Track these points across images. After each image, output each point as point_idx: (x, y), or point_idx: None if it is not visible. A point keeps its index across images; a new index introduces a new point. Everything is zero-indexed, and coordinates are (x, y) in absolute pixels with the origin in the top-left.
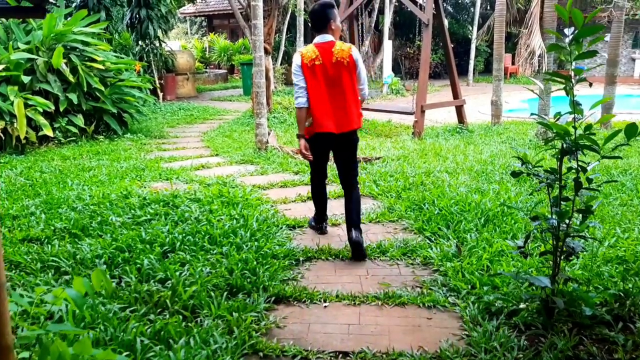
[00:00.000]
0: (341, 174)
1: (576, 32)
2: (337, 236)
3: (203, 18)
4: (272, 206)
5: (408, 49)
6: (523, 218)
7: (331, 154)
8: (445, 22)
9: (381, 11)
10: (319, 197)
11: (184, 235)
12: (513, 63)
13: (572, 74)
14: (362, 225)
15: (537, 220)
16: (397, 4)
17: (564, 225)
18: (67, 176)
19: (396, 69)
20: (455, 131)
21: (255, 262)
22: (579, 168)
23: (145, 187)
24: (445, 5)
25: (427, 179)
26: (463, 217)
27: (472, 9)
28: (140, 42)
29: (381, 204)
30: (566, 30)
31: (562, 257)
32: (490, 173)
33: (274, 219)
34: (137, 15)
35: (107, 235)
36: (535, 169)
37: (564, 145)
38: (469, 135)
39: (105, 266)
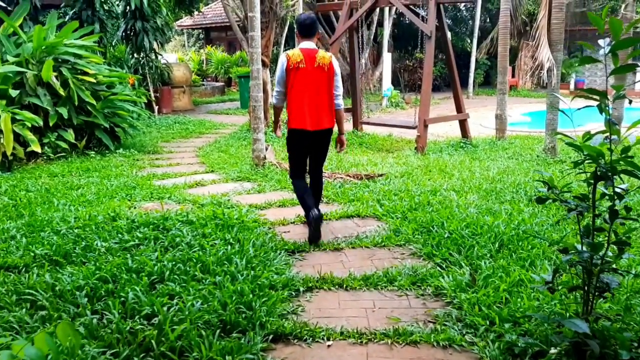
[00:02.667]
0: (311, 165)
1: (613, 44)
2: (340, 262)
3: (200, 30)
4: (269, 228)
5: (407, 61)
6: (540, 243)
7: None
8: (448, 34)
9: (380, 24)
10: (304, 195)
11: (174, 263)
12: (513, 76)
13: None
14: (367, 250)
15: (567, 253)
16: (395, 16)
17: (598, 259)
18: (53, 195)
19: (395, 82)
20: (459, 146)
21: (251, 295)
22: (614, 195)
23: (135, 208)
24: None
25: (434, 198)
26: (475, 242)
27: (470, 22)
28: (135, 55)
29: (386, 226)
30: (601, 42)
31: (595, 294)
32: (500, 192)
33: (271, 244)
34: (132, 28)
35: (91, 263)
36: (563, 194)
37: (598, 170)
38: (473, 150)
39: (86, 299)
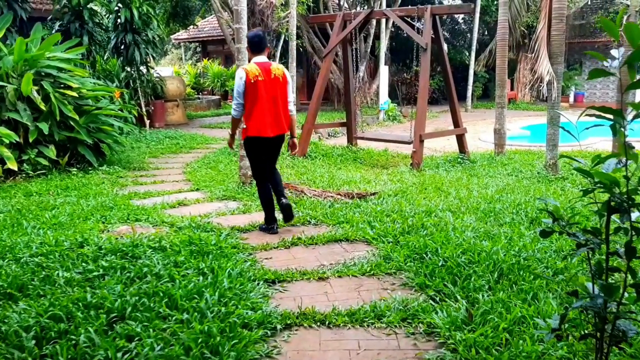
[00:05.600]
0: (267, 164)
1: (630, 54)
2: (324, 294)
3: (197, 44)
4: (250, 254)
5: (405, 74)
6: (544, 273)
7: None
8: (445, 46)
9: (377, 36)
10: (268, 200)
11: (138, 297)
12: (512, 89)
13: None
14: (354, 279)
15: (578, 297)
16: (393, 29)
17: (613, 303)
18: (24, 217)
19: (392, 95)
20: (456, 161)
21: (219, 336)
22: (632, 230)
23: (108, 232)
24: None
25: (429, 219)
26: (472, 271)
27: (468, 35)
28: (127, 68)
29: (376, 252)
30: (614, 52)
31: (610, 344)
32: (499, 213)
33: (250, 273)
34: (123, 40)
35: (47, 297)
36: (571, 226)
37: (612, 201)
38: (471, 166)
39: (34, 342)
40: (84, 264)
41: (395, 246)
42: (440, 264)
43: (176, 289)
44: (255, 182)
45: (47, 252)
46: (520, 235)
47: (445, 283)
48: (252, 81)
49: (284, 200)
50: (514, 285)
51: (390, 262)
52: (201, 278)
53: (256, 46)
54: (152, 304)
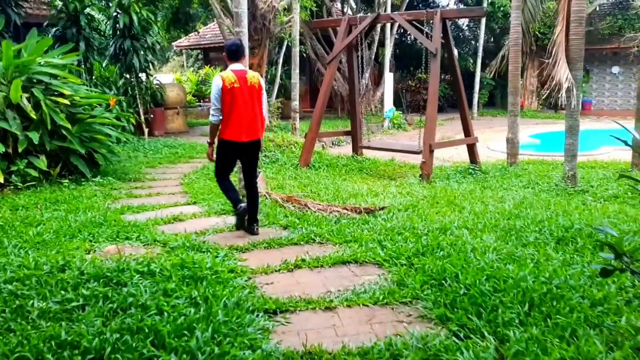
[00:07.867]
0: (246, 175)
1: None
2: (332, 327)
3: (199, 51)
4: (249, 279)
5: (409, 81)
6: (580, 304)
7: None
8: (455, 51)
9: (381, 43)
10: (230, 191)
11: (119, 334)
12: None
13: None
14: (365, 309)
15: None
16: (397, 36)
17: None
18: (6, 234)
19: (397, 103)
20: (467, 172)
21: None
22: None
23: (94, 252)
24: None
25: (444, 238)
26: (499, 300)
27: (472, 42)
28: (125, 75)
29: (389, 276)
30: None
31: None
32: (520, 231)
33: (248, 302)
34: (122, 47)
35: (17, 334)
36: (635, 263)
37: None
38: (483, 177)
39: None
40: (62, 291)
41: (409, 270)
42: (461, 292)
43: (164, 323)
44: (217, 179)
45: (24, 276)
46: (548, 257)
47: (469, 316)
48: (228, 87)
49: (255, 229)
50: (547, 319)
51: (405, 289)
52: (193, 310)
53: (233, 54)
54: (135, 343)
